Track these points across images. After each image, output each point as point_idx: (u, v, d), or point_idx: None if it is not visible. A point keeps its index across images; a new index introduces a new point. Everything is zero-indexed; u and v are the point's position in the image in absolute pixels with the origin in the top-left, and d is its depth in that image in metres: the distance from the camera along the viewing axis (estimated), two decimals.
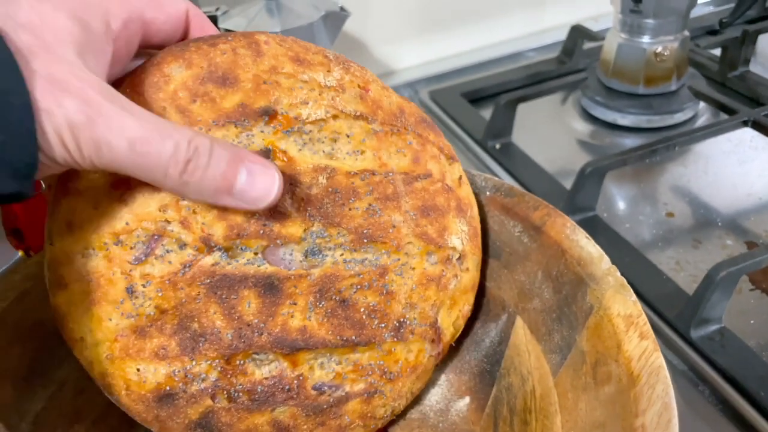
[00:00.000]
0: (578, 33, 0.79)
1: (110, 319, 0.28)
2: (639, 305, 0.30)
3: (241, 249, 0.29)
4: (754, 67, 0.75)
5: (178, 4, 0.30)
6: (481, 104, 0.77)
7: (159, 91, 0.28)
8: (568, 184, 0.57)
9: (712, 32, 0.84)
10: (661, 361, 0.27)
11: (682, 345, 0.44)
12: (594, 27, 0.82)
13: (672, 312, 0.45)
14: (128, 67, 0.29)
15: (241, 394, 0.30)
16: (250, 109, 0.29)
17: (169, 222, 0.28)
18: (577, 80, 0.72)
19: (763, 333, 0.45)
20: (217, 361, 0.29)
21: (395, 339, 0.32)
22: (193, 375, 0.29)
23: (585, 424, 0.30)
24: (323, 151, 0.31)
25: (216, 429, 0.30)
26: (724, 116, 0.66)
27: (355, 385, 0.32)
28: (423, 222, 0.33)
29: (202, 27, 0.31)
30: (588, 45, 0.80)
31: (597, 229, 0.54)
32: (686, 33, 0.69)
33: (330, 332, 0.31)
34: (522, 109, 0.68)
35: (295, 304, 0.30)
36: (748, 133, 0.62)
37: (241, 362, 0.30)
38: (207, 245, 0.29)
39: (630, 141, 0.68)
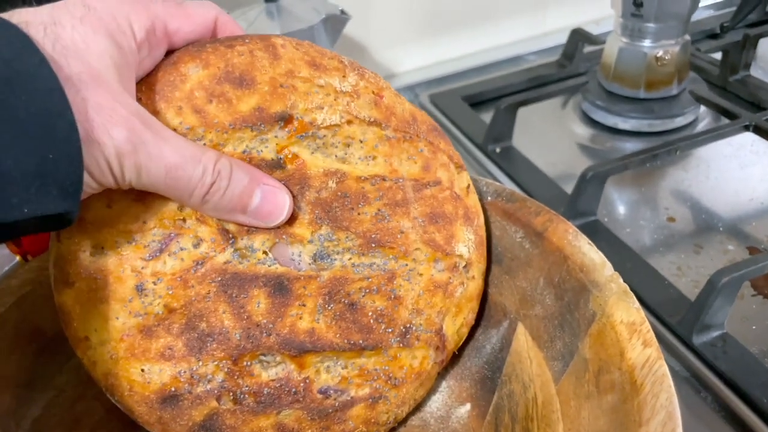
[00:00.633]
0: (579, 37, 0.79)
1: (117, 318, 0.28)
2: (642, 312, 0.30)
3: (250, 248, 0.30)
4: (755, 71, 0.75)
5: (207, 11, 0.30)
6: (482, 108, 0.77)
7: (175, 90, 0.28)
8: (568, 188, 0.57)
9: (713, 36, 0.84)
10: (665, 369, 0.27)
11: (684, 351, 0.44)
12: (594, 31, 0.81)
13: (674, 318, 0.45)
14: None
15: (246, 396, 0.30)
16: (266, 114, 0.30)
17: (185, 220, 0.29)
18: (578, 84, 0.72)
19: (765, 339, 0.44)
20: (224, 362, 0.29)
21: (401, 344, 0.32)
22: (200, 376, 0.29)
23: None
24: (335, 156, 0.32)
25: None
26: (724, 120, 0.65)
27: (360, 390, 0.32)
28: (431, 229, 0.33)
29: (232, 33, 0.32)
30: (588, 49, 0.80)
31: (598, 233, 0.54)
32: (687, 37, 0.69)
33: (338, 335, 0.31)
34: (522, 112, 0.68)
35: (304, 305, 0.30)
36: (748, 137, 0.62)
37: (248, 363, 0.30)
38: (224, 236, 0.29)
39: (631, 145, 0.68)
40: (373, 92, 0.33)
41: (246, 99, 0.29)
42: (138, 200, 0.28)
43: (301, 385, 0.31)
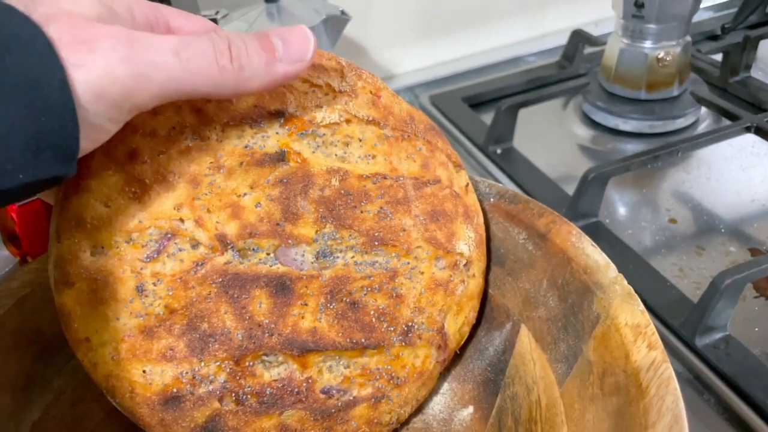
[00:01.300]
0: (579, 38, 0.79)
1: (118, 319, 0.28)
2: (647, 315, 0.30)
3: (254, 250, 0.30)
4: (756, 73, 0.74)
5: (207, 23, 0.30)
6: (482, 109, 0.77)
7: None
8: (569, 189, 0.57)
9: (714, 37, 0.84)
10: (671, 372, 0.27)
11: (687, 353, 0.43)
12: (595, 32, 0.81)
13: (677, 320, 0.45)
14: None
15: (249, 396, 0.30)
16: (265, 111, 0.30)
17: (183, 221, 0.29)
18: (579, 85, 0.72)
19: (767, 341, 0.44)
20: (226, 362, 0.29)
21: (403, 343, 0.32)
22: (202, 377, 0.29)
23: None
24: (336, 155, 0.32)
25: None
26: (725, 122, 0.65)
27: (363, 390, 0.32)
28: (432, 227, 0.33)
29: None
30: (589, 50, 0.80)
31: (599, 235, 0.54)
32: (688, 38, 0.69)
33: (340, 334, 0.31)
34: (523, 114, 0.68)
35: (306, 305, 0.30)
36: (749, 138, 0.62)
37: (251, 364, 0.29)
38: (222, 242, 0.29)
39: (632, 146, 0.68)
40: (370, 92, 0.33)
41: (244, 98, 0.30)
42: (134, 199, 0.28)
43: (304, 385, 0.31)
